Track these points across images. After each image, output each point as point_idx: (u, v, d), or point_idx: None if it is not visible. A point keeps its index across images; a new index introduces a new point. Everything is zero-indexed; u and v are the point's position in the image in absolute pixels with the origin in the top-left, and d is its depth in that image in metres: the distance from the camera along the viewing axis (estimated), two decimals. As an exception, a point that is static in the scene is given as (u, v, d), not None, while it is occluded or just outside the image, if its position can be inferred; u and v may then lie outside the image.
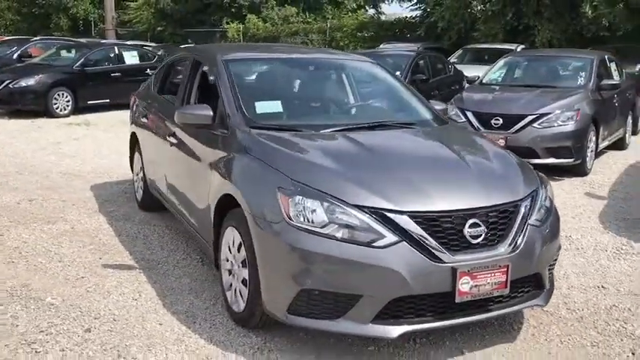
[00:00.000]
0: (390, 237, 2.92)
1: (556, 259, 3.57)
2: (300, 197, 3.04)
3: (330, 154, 3.41)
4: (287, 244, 2.99)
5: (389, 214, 2.96)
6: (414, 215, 2.98)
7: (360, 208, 2.98)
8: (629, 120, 9.85)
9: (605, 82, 8.34)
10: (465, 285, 2.98)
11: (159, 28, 28.24)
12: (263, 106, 3.99)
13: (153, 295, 3.98)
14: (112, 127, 11.41)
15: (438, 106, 4.60)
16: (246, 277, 3.34)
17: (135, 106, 6.09)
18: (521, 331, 3.55)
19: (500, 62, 9.43)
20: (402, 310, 3.00)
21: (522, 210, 3.25)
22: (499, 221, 3.16)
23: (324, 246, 2.94)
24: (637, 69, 12.51)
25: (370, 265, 2.90)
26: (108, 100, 13.38)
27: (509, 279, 3.10)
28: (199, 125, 3.94)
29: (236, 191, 3.39)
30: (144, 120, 5.54)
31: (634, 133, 10.44)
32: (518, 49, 14.34)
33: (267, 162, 3.33)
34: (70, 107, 12.71)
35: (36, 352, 3.25)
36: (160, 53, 16.73)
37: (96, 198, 6.39)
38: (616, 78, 9.11)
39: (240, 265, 3.42)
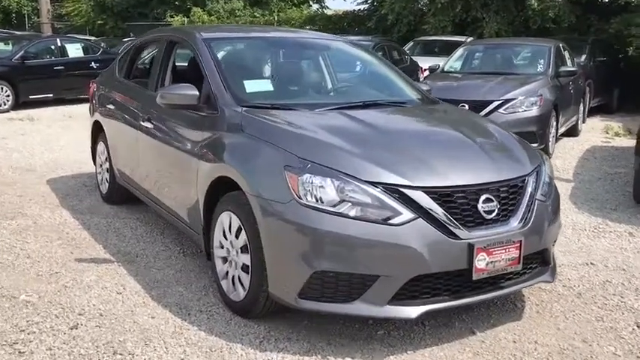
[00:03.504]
0: (407, 214, 2.80)
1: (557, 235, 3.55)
2: (310, 175, 2.88)
3: (334, 131, 3.26)
4: (297, 225, 2.83)
5: (404, 190, 2.84)
6: (429, 191, 2.87)
7: (374, 184, 2.84)
8: (581, 107, 10.12)
9: (563, 68, 8.52)
10: (481, 261, 2.90)
11: (99, 22, 27.20)
12: (252, 85, 3.80)
13: (138, 288, 3.73)
14: (57, 122, 10.88)
15: (424, 86, 4.53)
16: (248, 264, 3.15)
17: (97, 94, 5.75)
18: (525, 308, 3.51)
19: (460, 51, 9.49)
20: (419, 289, 2.88)
21: (530, 185, 3.20)
22: (509, 196, 3.10)
23: (338, 225, 2.79)
24: (582, 59, 12.89)
25: (387, 243, 2.78)
26: (51, 95, 12.78)
27: (522, 255, 3.04)
28: (184, 106, 3.72)
29: (235, 173, 3.19)
30: (110, 107, 5.23)
31: (583, 120, 10.75)
32: (468, 41, 14.56)
33: (268, 140, 3.15)
34: (10, 102, 12.04)
35: (20, 352, 2.96)
36: (103, 45, 16.11)
37: (54, 192, 6.01)
38: (570, 66, 9.33)
39: (240, 251, 3.23)
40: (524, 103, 7.53)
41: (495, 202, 3.00)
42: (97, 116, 5.60)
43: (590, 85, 11.22)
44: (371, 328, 3.20)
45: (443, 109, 4.09)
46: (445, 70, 9.12)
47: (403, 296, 2.86)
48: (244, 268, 3.20)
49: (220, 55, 4.00)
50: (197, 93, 3.66)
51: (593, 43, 12.87)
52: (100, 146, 5.65)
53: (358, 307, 2.84)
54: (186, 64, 4.84)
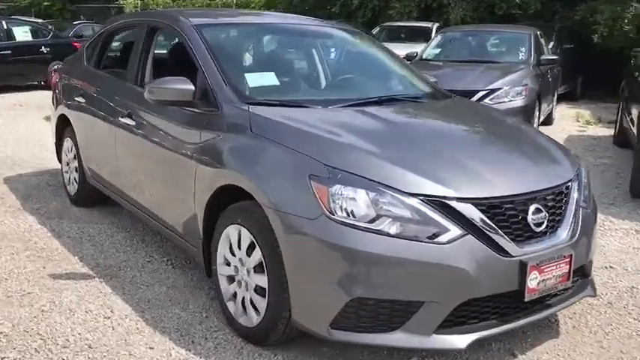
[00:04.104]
0: (455, 230, 2.45)
1: (595, 244, 3.27)
2: (341, 186, 2.49)
3: (358, 132, 2.87)
4: (330, 245, 2.44)
5: (450, 203, 2.48)
6: (477, 203, 2.52)
7: (416, 196, 2.47)
8: (556, 95, 10.02)
9: (545, 57, 8.34)
10: (533, 281, 2.58)
11: (45, 3, 25.81)
12: (255, 79, 3.37)
13: (128, 310, 3.27)
14: (7, 112, 10.11)
15: (431, 78, 4.18)
16: (263, 285, 2.75)
17: (61, 85, 5.19)
18: (560, 323, 3.23)
19: (438, 38, 9.22)
20: (467, 315, 2.55)
21: (574, 190, 2.90)
22: (556, 205, 2.79)
23: (377, 245, 2.41)
24: (550, 47, 12.84)
25: (433, 264, 2.42)
26: (-2, 82, 11.92)
27: (572, 270, 2.74)
28: (176, 102, 3.26)
29: (246, 182, 2.78)
30: (79, 100, 4.69)
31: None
32: (434, 27, 14.33)
33: (286, 144, 2.73)
34: (-52, 89, 11.17)
35: (-2, 401, 2.50)
36: (51, 29, 15.15)
37: (14, 193, 5.43)
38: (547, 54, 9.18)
39: (253, 270, 2.82)
40: (510, 93, 7.31)
41: (544, 212, 2.68)
42: (63, 110, 5.04)
43: (559, 73, 11.16)
44: (402, 354, 2.86)
45: (462, 104, 3.76)
46: (424, 57, 8.81)
47: (450, 323, 2.51)
48: (258, 290, 2.80)
49: (216, 44, 3.53)
50: (193, 88, 3.21)
51: (560, 30, 12.83)
52: (67, 142, 5.10)
53: (400, 338, 2.48)
54: (168, 53, 4.37)
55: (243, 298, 2.92)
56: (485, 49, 8.73)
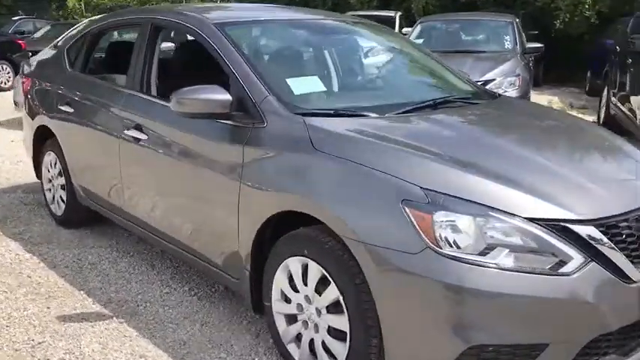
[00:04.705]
0: (578, 257, 2.12)
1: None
2: (445, 213, 2.12)
3: (439, 145, 2.49)
4: (440, 284, 2.07)
5: (571, 227, 2.15)
6: (598, 224, 2.20)
7: (533, 221, 2.13)
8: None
9: (530, 45, 8.17)
10: (654, 307, 2.28)
11: (-24, -3, 24.23)
12: (299, 85, 2.94)
13: (164, 357, 2.82)
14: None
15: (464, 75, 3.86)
16: (342, 328, 2.36)
17: (36, 92, 4.61)
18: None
19: (418, 27, 8.92)
20: (589, 352, 2.22)
21: None
22: (661, 218, 2.50)
23: (495, 281, 2.06)
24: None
25: (558, 300, 2.08)
26: None
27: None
28: (210, 114, 2.81)
29: (316, 208, 2.37)
30: (66, 109, 4.14)
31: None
32: (397, 16, 14.08)
33: (364, 163, 2.34)
34: None
35: None
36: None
37: (-14, 215, 4.82)
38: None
39: (325, 310, 2.43)
40: (504, 83, 7.09)
41: (656, 228, 2.39)
42: (44, 120, 4.46)
43: (533, 60, 11.11)
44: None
45: (518, 104, 3.44)
46: (406, 49, 8.49)
47: (573, 363, 2.19)
48: (334, 332, 2.41)
49: (244, 45, 3.09)
50: (230, 97, 2.77)
51: (524, 16, 12.78)
52: (49, 157, 4.53)
53: (520, 387, 2.14)
54: (176, 56, 3.89)
55: (312, 341, 2.52)
56: (469, 38, 8.49)
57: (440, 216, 2.11)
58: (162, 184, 3.31)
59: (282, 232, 2.63)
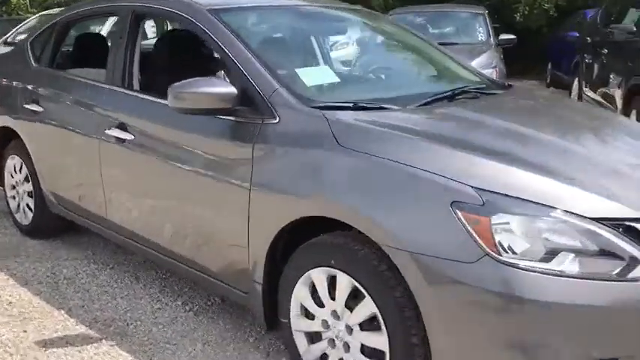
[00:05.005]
0: (647, 260, 1.92)
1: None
2: (503, 215, 1.89)
3: (483, 140, 2.27)
4: (502, 297, 1.83)
5: (636, 225, 1.95)
6: (660, 222, 2.00)
7: (597, 221, 1.92)
8: (500, 76, 9.90)
9: (503, 37, 8.08)
10: None
11: None
12: (311, 75, 2.66)
13: (167, 385, 2.51)
14: None
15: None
16: (378, 347, 2.11)
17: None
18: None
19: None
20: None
21: None
22: None
23: (562, 291, 1.83)
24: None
25: (627, 309, 1.88)
26: None
27: None
28: (213, 110, 2.51)
29: (349, 213, 2.10)
30: (33, 108, 3.73)
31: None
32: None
33: (402, 161, 2.08)
34: None
35: None
36: None
37: (-60, 226, 4.36)
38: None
39: (358, 327, 2.17)
40: (482, 75, 6.95)
41: None
42: (6, 121, 4.04)
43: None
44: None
45: (539, 95, 3.27)
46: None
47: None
48: (369, 351, 2.16)
49: (244, 34, 2.78)
50: (234, 90, 2.47)
51: (487, 8, 12.79)
52: (13, 160, 4.11)
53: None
54: (159, 46, 3.55)
55: (341, 361, 2.26)
56: (441, 30, 8.35)
57: (498, 219, 1.88)
58: (154, 189, 2.99)
59: (297, 239, 2.36)
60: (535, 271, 1.84)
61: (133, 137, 2.99)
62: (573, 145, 2.34)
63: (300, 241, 2.35)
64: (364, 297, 2.13)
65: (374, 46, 3.44)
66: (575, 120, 2.81)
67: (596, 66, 7.21)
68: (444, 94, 2.77)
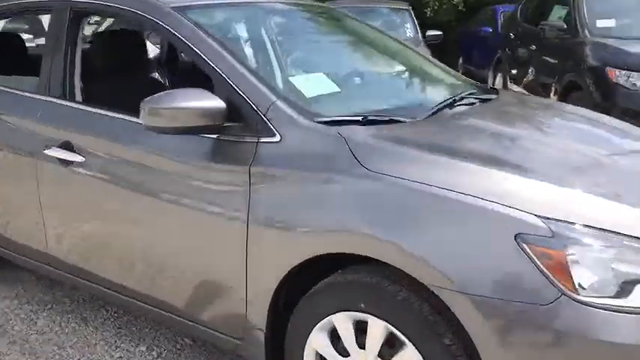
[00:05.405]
0: None
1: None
2: (576, 247, 1.64)
3: (526, 158, 2.02)
4: (590, 343, 1.58)
5: None
6: None
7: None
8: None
9: (430, 33, 8.02)
10: None
11: None
12: (307, 85, 2.29)
13: None
14: None
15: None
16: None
17: None
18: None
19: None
20: None
21: None
22: None
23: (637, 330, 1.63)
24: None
25: None
26: None
27: None
28: (197, 129, 2.10)
29: (388, 249, 1.78)
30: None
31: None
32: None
33: (445, 187, 1.77)
34: None
35: None
36: None
37: None
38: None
39: (397, 380, 1.86)
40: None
41: None
42: None
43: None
44: None
45: (530, 99, 3.07)
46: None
47: None
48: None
49: (221, 36, 2.38)
50: (223, 105, 2.08)
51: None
52: None
53: None
54: (102, 51, 3.05)
55: None
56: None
57: (571, 251, 1.63)
58: (111, 220, 2.51)
59: (304, 276, 2.02)
60: (614, 311, 1.61)
61: (82, 159, 2.50)
62: (597, 157, 2.14)
63: (305, 280, 2.01)
64: (403, 345, 1.82)
65: (350, 47, 3.11)
66: (596, 132, 2.62)
67: (522, 61, 7.30)
68: (446, 103, 2.50)
